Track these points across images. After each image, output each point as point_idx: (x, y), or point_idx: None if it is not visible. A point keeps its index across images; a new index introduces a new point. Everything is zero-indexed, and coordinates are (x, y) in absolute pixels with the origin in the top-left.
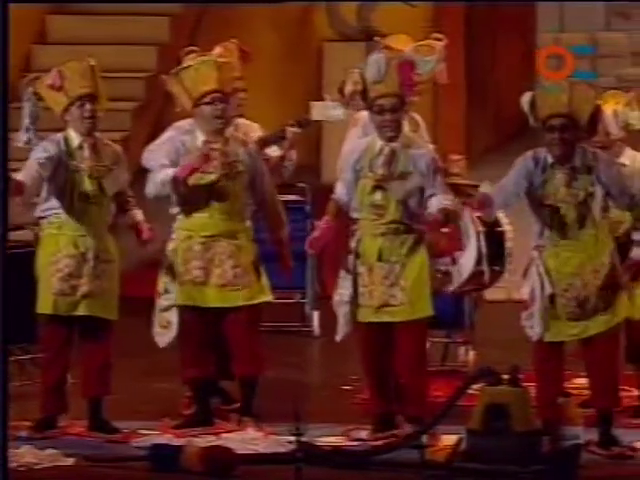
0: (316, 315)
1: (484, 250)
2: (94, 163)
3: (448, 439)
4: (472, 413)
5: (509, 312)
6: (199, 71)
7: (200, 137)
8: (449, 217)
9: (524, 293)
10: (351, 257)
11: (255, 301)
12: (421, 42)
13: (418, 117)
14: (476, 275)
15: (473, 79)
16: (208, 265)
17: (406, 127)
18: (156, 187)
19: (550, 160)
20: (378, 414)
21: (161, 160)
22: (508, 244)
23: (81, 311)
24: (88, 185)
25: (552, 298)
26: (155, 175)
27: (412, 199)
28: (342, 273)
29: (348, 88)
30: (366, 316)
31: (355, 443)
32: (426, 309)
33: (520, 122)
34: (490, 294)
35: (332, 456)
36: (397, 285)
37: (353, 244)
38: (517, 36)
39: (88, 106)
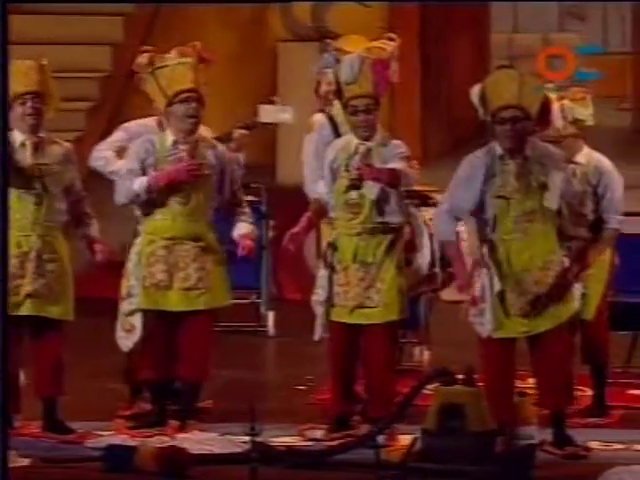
0: (271, 315)
1: (437, 253)
2: (36, 162)
3: (403, 439)
4: (427, 413)
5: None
6: (175, 70)
7: (170, 137)
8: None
9: (474, 289)
10: (329, 255)
11: (217, 305)
12: (373, 43)
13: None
14: (430, 277)
15: (428, 80)
16: (172, 269)
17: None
18: (129, 196)
19: (499, 152)
20: (336, 414)
21: (129, 164)
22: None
23: (25, 311)
24: (30, 184)
25: (502, 294)
26: (125, 182)
27: (389, 197)
28: (320, 272)
29: (323, 88)
30: (340, 316)
31: (310, 443)
32: (401, 311)
33: (474, 122)
34: (445, 294)
35: (287, 456)
36: (373, 287)
37: (330, 242)
38: (471, 37)
39: (30, 104)
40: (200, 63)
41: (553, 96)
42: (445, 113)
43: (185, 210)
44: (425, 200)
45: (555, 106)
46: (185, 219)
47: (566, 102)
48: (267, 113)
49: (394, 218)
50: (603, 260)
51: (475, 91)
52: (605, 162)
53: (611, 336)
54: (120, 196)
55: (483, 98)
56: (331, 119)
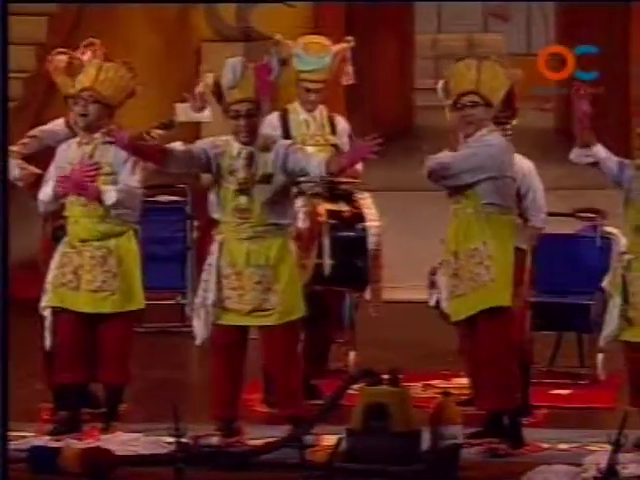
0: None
1: (326, 243)
2: None
3: (328, 439)
4: (352, 413)
5: (389, 312)
6: (85, 70)
7: (77, 139)
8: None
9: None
10: (214, 260)
11: (127, 309)
12: (312, 39)
13: (340, 118)
14: (317, 269)
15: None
16: (79, 270)
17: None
18: (41, 205)
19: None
20: (225, 419)
21: (49, 172)
22: (372, 239)
23: None
24: None
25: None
26: (42, 191)
27: (277, 200)
28: (204, 276)
29: (198, 89)
30: (234, 320)
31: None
32: (299, 310)
33: (399, 123)
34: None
35: (213, 457)
36: (270, 289)
37: (216, 246)
38: (395, 37)
39: None
40: (105, 61)
41: None
42: (370, 113)
43: (88, 212)
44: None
45: None
46: (89, 221)
47: None
48: (183, 112)
49: (284, 219)
50: (509, 260)
51: (439, 85)
52: (526, 163)
53: (535, 336)
54: (40, 205)
55: (446, 90)
56: (284, 118)
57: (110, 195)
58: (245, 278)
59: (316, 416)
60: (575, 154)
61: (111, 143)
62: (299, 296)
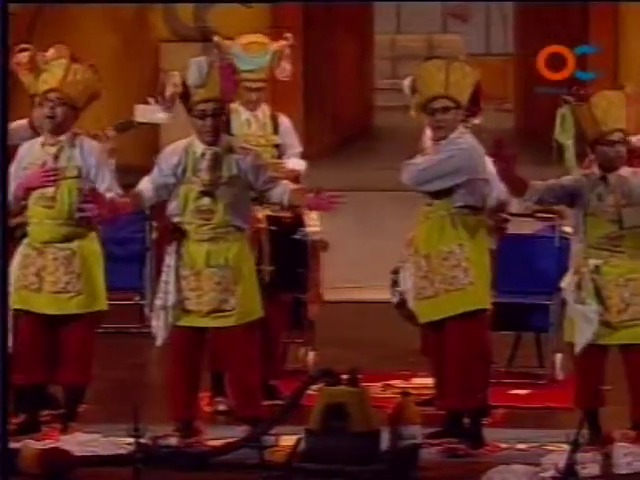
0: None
1: (266, 250)
2: None
3: (288, 439)
4: (311, 413)
5: (348, 312)
6: (49, 70)
7: (40, 140)
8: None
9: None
10: (173, 261)
11: (90, 309)
12: (250, 39)
13: (284, 117)
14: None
15: (311, 80)
16: (41, 272)
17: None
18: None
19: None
20: (184, 420)
21: (12, 173)
22: (312, 244)
23: None
24: None
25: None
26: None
27: (240, 201)
28: (164, 277)
29: (168, 91)
30: (193, 321)
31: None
32: (257, 311)
33: (358, 123)
34: (329, 294)
35: (172, 457)
36: (229, 290)
37: (174, 247)
38: (355, 37)
39: None
40: (72, 63)
41: None
42: (329, 113)
43: (51, 213)
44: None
45: None
46: (53, 222)
47: None
48: (142, 113)
49: (243, 221)
50: (485, 261)
51: (406, 83)
52: (489, 163)
53: (494, 336)
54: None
55: (414, 90)
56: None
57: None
58: (204, 279)
59: (275, 416)
60: (515, 206)
61: (88, 217)
62: (257, 297)
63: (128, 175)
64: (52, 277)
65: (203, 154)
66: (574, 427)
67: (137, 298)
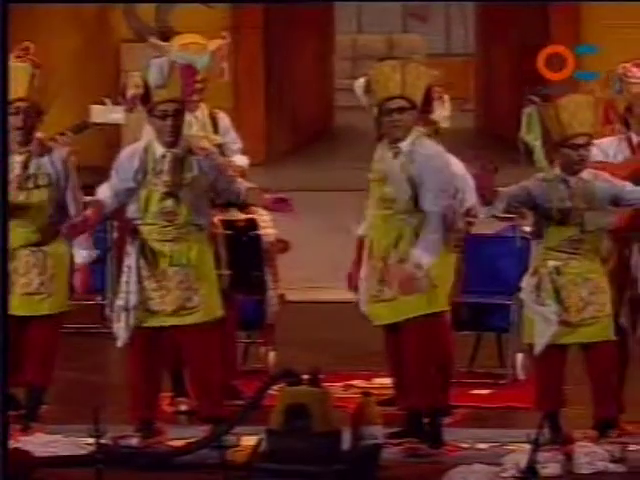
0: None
1: (222, 254)
2: None
3: (249, 440)
4: (272, 414)
5: (310, 313)
6: (15, 76)
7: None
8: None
9: (362, 274)
10: (134, 262)
11: (60, 310)
12: (189, 39)
13: (222, 115)
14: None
15: (272, 81)
16: (14, 274)
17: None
18: None
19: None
20: (145, 420)
21: None
22: (266, 246)
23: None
24: None
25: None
26: None
27: (202, 201)
28: (124, 278)
29: (130, 92)
30: (158, 321)
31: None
32: (219, 310)
33: (319, 123)
34: (291, 295)
35: (133, 457)
36: (193, 288)
37: (135, 249)
38: (315, 38)
39: None
40: (35, 68)
41: None
42: (290, 114)
43: (23, 223)
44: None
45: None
46: (23, 229)
47: None
48: (99, 113)
49: (204, 220)
50: (448, 262)
51: (359, 83)
52: (458, 164)
53: (455, 336)
54: None
55: (368, 90)
56: None
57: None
58: (168, 278)
59: (236, 417)
60: (483, 212)
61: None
62: (218, 296)
63: (91, 176)
64: (24, 279)
65: (164, 156)
66: (535, 427)
67: (98, 298)
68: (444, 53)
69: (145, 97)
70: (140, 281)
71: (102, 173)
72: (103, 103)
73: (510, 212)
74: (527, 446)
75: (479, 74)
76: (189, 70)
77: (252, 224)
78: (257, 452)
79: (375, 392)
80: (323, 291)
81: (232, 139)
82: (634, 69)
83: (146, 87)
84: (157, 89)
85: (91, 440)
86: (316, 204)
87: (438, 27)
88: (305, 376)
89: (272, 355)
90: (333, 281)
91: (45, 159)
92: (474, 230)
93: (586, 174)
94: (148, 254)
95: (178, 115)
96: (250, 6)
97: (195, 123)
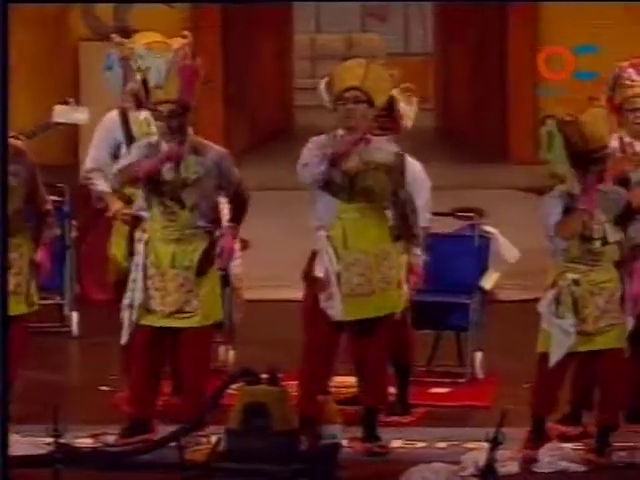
0: (75, 316)
1: None
2: None
3: (208, 439)
4: (231, 413)
5: (269, 311)
6: None
7: None
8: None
9: (319, 273)
10: (141, 260)
11: (32, 310)
12: (152, 38)
13: None
14: None
15: (231, 80)
16: None
17: None
18: None
19: (342, 133)
20: (136, 417)
21: None
22: None
23: None
24: None
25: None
26: None
27: (205, 203)
28: (132, 275)
29: (128, 87)
30: (155, 321)
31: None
32: (218, 314)
33: (278, 122)
34: (250, 294)
35: (91, 457)
36: (192, 292)
37: (141, 246)
38: (274, 37)
39: None
40: None
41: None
42: (249, 113)
43: None
44: None
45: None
46: None
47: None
48: (61, 113)
49: (209, 222)
50: (409, 261)
51: (322, 84)
52: (414, 162)
53: (414, 335)
54: None
55: (330, 86)
56: (124, 116)
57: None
58: (169, 280)
59: (196, 416)
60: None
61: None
62: (218, 300)
63: (50, 175)
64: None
65: None
66: (493, 425)
67: (57, 297)
68: (403, 52)
69: (147, 96)
70: (145, 279)
71: (60, 172)
72: (66, 103)
73: None
74: (486, 444)
75: (438, 73)
76: (189, 70)
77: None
78: (216, 451)
79: (334, 391)
80: (282, 290)
81: None
82: (630, 70)
83: (146, 87)
84: (154, 89)
85: (49, 440)
86: (274, 203)
87: (397, 27)
88: (264, 375)
89: (231, 354)
90: (292, 280)
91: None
92: (434, 229)
93: (602, 186)
94: (153, 253)
95: (176, 116)
96: (209, 6)
97: (153, 121)
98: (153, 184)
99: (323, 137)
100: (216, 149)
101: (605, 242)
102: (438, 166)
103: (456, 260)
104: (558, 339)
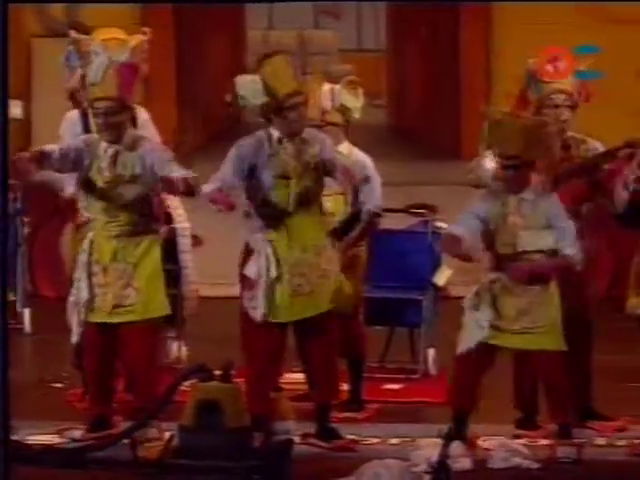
0: (27, 313)
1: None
2: None
3: (161, 435)
4: (184, 409)
5: (222, 308)
6: None
7: None
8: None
9: (250, 273)
10: (84, 257)
11: None
12: (109, 35)
13: (141, 110)
14: None
15: (183, 78)
16: None
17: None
18: None
19: (277, 135)
20: (96, 414)
21: None
22: (183, 241)
23: None
24: None
25: (278, 279)
26: None
27: (145, 199)
28: (76, 273)
29: (69, 84)
30: (99, 317)
31: (67, 441)
32: (160, 308)
33: (229, 120)
34: (203, 290)
35: (44, 455)
36: (130, 286)
37: (85, 244)
38: (227, 33)
39: None
40: None
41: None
42: (201, 110)
43: None
44: None
45: (325, 88)
46: None
47: (337, 87)
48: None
49: (152, 218)
50: (358, 256)
51: (258, 87)
52: (365, 156)
53: (367, 331)
54: None
55: (267, 89)
56: (84, 116)
57: None
58: (109, 275)
59: (148, 413)
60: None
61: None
62: (161, 295)
63: None
64: None
65: (105, 152)
66: (447, 422)
67: (10, 294)
68: (356, 49)
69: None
70: (90, 277)
71: (11, 167)
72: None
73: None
74: (438, 441)
75: (391, 70)
76: (129, 68)
77: (167, 217)
78: (169, 448)
79: (287, 387)
80: (235, 287)
81: (150, 133)
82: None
83: (84, 83)
84: (91, 86)
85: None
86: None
87: (350, 24)
88: (217, 372)
89: (184, 350)
90: None
91: None
92: (386, 225)
93: (527, 193)
94: (96, 249)
95: (113, 113)
96: (160, 5)
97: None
98: (91, 183)
99: (249, 141)
100: (153, 143)
101: (515, 249)
102: (391, 163)
103: (409, 256)
104: (470, 329)
